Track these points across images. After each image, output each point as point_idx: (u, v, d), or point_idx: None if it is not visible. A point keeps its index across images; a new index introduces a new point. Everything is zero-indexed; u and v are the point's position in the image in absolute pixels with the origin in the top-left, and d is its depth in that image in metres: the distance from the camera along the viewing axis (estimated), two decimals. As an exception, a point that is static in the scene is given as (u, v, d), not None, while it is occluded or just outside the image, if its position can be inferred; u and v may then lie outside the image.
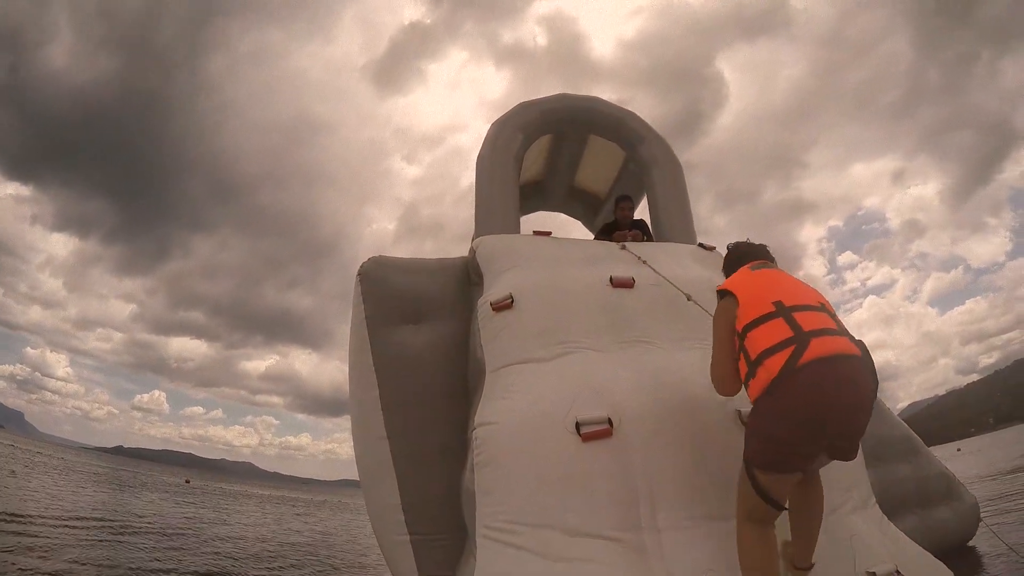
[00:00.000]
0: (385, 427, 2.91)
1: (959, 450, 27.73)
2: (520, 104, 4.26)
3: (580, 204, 5.80)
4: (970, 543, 3.61)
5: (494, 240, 3.41)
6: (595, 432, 2.20)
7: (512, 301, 2.82)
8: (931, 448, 3.87)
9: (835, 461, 1.85)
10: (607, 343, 2.72)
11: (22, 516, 6.59)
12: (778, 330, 1.84)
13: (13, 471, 15.41)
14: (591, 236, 5.28)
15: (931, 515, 3.31)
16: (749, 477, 1.84)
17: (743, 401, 2.04)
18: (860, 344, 1.84)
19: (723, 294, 2.14)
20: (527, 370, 2.59)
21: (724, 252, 2.59)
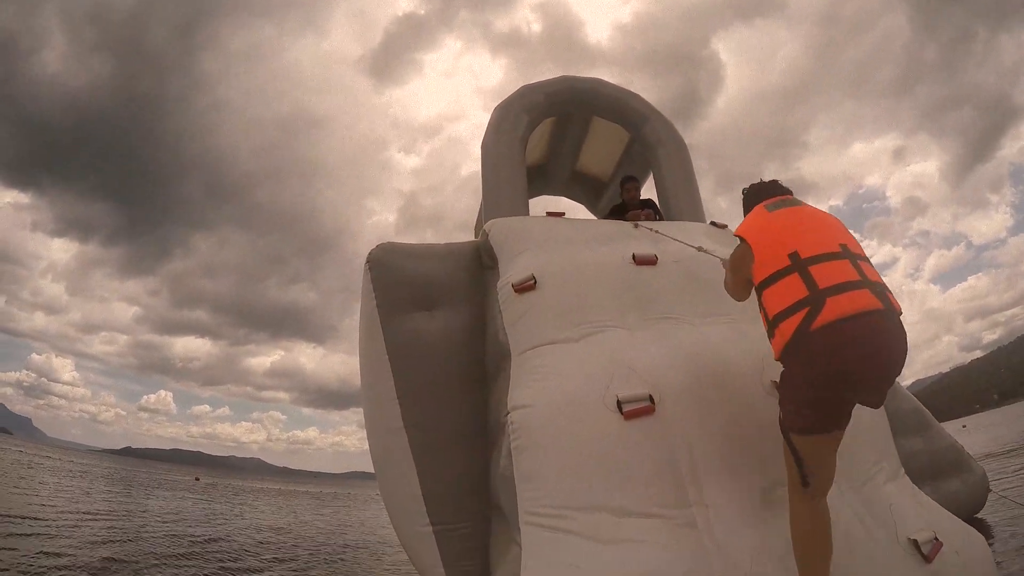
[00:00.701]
0: (402, 417, 2.81)
1: (964, 427, 26.43)
2: (523, 87, 4.18)
3: (582, 188, 5.75)
4: (979, 515, 3.67)
5: (507, 222, 3.30)
6: (638, 409, 2.13)
7: (535, 282, 2.73)
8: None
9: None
10: (634, 321, 2.65)
11: (32, 518, 6.56)
12: (792, 289, 1.76)
13: (20, 477, 14.95)
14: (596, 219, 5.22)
15: (942, 487, 3.34)
16: (787, 443, 1.80)
17: (777, 372, 1.98)
18: (882, 293, 1.72)
19: (738, 241, 2.07)
20: (556, 351, 2.50)
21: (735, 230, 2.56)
